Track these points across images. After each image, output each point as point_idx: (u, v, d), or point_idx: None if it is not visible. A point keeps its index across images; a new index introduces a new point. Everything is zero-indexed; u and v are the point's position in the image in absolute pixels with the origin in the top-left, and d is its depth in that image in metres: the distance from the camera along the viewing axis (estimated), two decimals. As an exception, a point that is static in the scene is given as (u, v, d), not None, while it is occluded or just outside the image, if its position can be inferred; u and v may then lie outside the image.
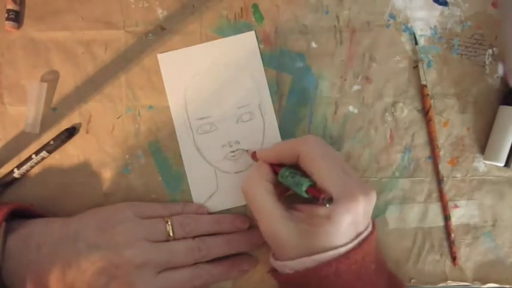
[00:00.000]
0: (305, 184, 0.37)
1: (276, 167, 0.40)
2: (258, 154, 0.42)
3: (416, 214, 0.46)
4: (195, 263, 0.41)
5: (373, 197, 0.37)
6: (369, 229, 0.38)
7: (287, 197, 0.41)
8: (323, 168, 0.37)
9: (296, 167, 0.39)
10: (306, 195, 0.37)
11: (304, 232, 0.36)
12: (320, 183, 0.36)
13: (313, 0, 0.45)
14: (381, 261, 0.40)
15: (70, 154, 0.45)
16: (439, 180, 0.46)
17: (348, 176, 0.37)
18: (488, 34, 0.46)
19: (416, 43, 0.46)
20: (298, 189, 0.37)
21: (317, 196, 0.35)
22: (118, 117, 0.45)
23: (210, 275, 0.42)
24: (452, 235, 0.45)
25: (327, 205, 0.35)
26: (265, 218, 0.38)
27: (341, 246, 0.35)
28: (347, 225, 0.35)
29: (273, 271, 0.39)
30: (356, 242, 0.36)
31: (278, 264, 0.38)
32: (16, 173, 0.44)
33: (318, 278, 0.35)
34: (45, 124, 0.45)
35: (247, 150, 0.44)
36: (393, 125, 0.46)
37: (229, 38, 0.45)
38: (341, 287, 0.36)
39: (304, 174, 0.38)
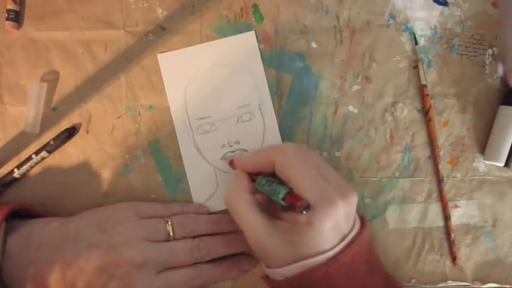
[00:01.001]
0: (282, 192, 0.36)
1: (254, 176, 0.40)
2: (235, 162, 0.43)
3: (416, 214, 0.46)
4: (195, 263, 0.41)
5: (352, 199, 0.37)
6: (356, 230, 0.37)
7: (271, 205, 0.40)
8: (298, 177, 0.37)
9: (274, 175, 0.39)
10: (283, 203, 0.37)
11: (289, 241, 0.36)
12: (297, 191, 0.36)
13: (313, 0, 0.46)
14: (375, 261, 0.39)
15: (70, 154, 0.45)
16: (439, 180, 0.46)
17: (326, 180, 0.37)
18: (488, 34, 0.46)
19: (416, 43, 0.46)
20: (275, 197, 0.37)
21: (294, 204, 0.35)
22: (118, 117, 0.45)
23: (210, 275, 0.42)
24: (452, 235, 0.45)
25: (304, 212, 0.35)
26: (249, 230, 0.38)
27: (328, 250, 0.35)
28: (328, 230, 0.35)
29: (266, 277, 0.39)
30: (343, 244, 0.36)
31: (269, 272, 0.38)
32: (16, 173, 0.44)
33: (309, 283, 0.35)
34: (45, 124, 0.45)
35: (225, 158, 0.45)
36: (393, 125, 0.46)
37: (229, 38, 0.45)
38: None
39: (281, 182, 0.38)
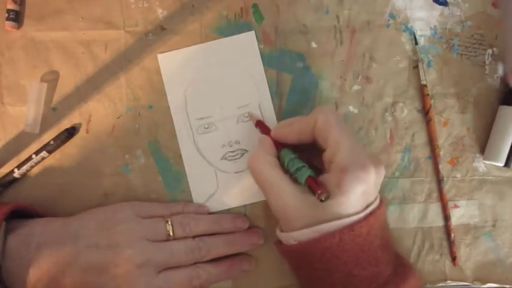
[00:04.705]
0: (305, 174, 0.37)
1: (278, 144, 0.40)
2: (273, 134, 0.41)
3: (416, 214, 0.46)
4: (195, 263, 0.42)
5: (383, 170, 0.37)
6: (376, 203, 0.37)
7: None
8: (338, 136, 0.37)
9: (296, 150, 0.39)
10: (302, 183, 0.37)
11: (314, 203, 0.36)
12: (333, 151, 0.36)
13: (313, 0, 0.45)
14: (388, 239, 0.39)
15: (70, 154, 0.45)
16: (439, 180, 0.46)
17: (360, 146, 0.37)
18: (488, 34, 0.46)
19: (416, 43, 0.46)
20: (297, 175, 0.37)
21: (315, 190, 0.35)
22: (118, 117, 0.45)
23: (210, 275, 0.42)
24: (452, 235, 0.45)
25: (323, 200, 0.35)
26: (272, 191, 0.38)
27: (347, 216, 0.35)
28: (358, 195, 0.35)
29: (278, 243, 0.39)
30: (363, 214, 0.36)
31: (283, 236, 0.38)
32: (16, 173, 0.44)
33: (321, 249, 0.35)
34: (45, 124, 0.45)
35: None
36: (393, 125, 0.46)
37: (229, 38, 0.45)
38: (344, 259, 0.35)
39: (303, 159, 0.38)
